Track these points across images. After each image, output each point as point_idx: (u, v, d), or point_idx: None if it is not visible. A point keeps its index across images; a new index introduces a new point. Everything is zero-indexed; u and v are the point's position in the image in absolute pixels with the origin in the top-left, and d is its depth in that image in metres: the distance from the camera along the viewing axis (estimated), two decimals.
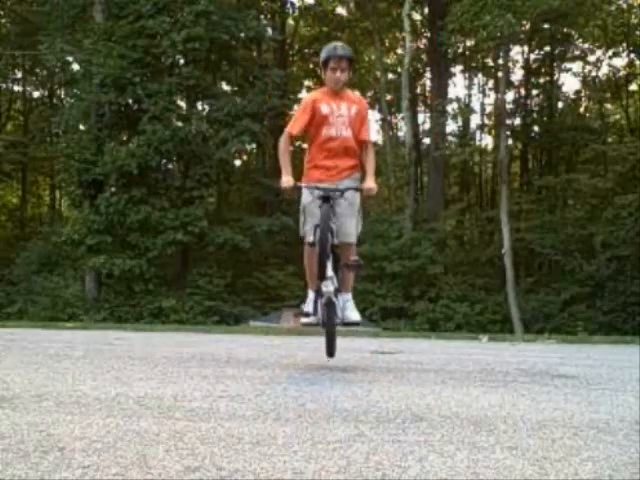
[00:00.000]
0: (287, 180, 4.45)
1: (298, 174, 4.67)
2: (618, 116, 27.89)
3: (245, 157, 27.36)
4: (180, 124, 19.84)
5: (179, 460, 1.82)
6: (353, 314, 4.51)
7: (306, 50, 30.27)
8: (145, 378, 3.58)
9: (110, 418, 2.38)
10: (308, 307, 4.57)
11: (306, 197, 4.57)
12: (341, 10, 28.73)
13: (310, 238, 4.46)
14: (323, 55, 4.65)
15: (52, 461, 1.77)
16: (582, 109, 27.65)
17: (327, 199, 4.39)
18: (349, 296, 4.59)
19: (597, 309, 19.29)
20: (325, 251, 4.27)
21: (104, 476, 1.65)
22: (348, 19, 28.18)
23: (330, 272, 4.34)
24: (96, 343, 6.84)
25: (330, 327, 4.38)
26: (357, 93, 5.06)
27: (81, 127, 20.66)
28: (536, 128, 26.11)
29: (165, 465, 1.76)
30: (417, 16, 26.71)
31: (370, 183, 4.57)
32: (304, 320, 4.59)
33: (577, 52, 26.33)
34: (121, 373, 3.82)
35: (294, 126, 4.61)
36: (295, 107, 29.86)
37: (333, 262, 4.43)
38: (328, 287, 4.33)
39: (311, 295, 4.59)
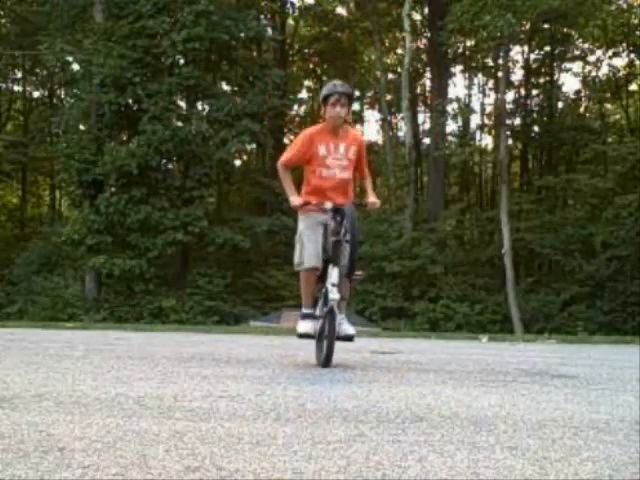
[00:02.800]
0: (296, 199, 4.65)
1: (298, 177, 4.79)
2: (618, 116, 27.90)
3: (245, 157, 27.37)
4: (180, 124, 19.84)
5: (179, 460, 1.82)
6: (349, 328, 4.60)
7: (306, 50, 30.27)
8: (145, 378, 3.58)
9: (110, 418, 2.38)
10: (310, 309, 4.69)
11: (303, 224, 4.71)
12: (341, 10, 28.75)
13: (309, 264, 4.58)
14: (324, 92, 4.73)
15: (52, 461, 1.77)
16: (582, 109, 27.65)
17: (338, 210, 4.56)
18: (343, 315, 4.67)
19: (597, 309, 19.29)
20: (357, 247, 4.37)
21: (104, 476, 1.65)
22: (348, 19, 28.18)
23: (337, 280, 4.43)
24: (96, 343, 6.84)
25: (332, 336, 4.41)
26: (355, 130, 5.21)
27: (81, 127, 20.66)
28: (536, 128, 26.11)
29: (165, 465, 1.76)
30: (417, 16, 26.71)
31: (373, 198, 4.82)
32: (302, 329, 4.67)
33: (577, 52, 26.34)
34: (121, 373, 3.82)
35: (289, 158, 4.81)
36: (295, 107, 29.99)
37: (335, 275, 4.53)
38: (334, 295, 4.40)
39: (306, 310, 4.72)
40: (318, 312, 4.64)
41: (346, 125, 4.85)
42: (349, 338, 4.61)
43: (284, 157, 4.85)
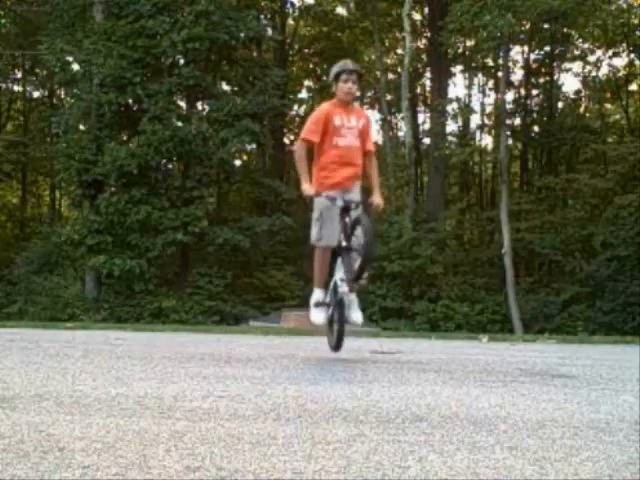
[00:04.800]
0: (308, 188, 4.77)
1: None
2: (618, 116, 27.91)
3: (245, 157, 27.38)
4: (180, 124, 19.85)
5: (179, 460, 1.81)
6: (357, 315, 4.88)
7: (306, 50, 30.28)
8: (145, 378, 3.58)
9: (110, 418, 2.37)
10: (323, 298, 4.94)
11: (322, 203, 4.84)
12: (341, 10, 28.76)
13: (330, 242, 4.80)
14: (335, 70, 4.94)
15: (52, 461, 1.77)
16: (582, 109, 27.66)
17: (348, 210, 4.75)
18: (354, 295, 4.92)
19: (597, 309, 19.30)
20: (370, 262, 4.67)
21: (104, 476, 1.65)
22: (348, 19, 28.19)
23: (345, 275, 4.69)
24: (96, 343, 6.83)
25: (341, 323, 4.78)
26: (361, 108, 5.56)
27: (81, 127, 20.67)
28: (536, 128, 26.13)
29: (165, 465, 1.76)
30: (417, 16, 26.73)
31: (377, 199, 4.99)
32: (317, 317, 4.95)
33: (577, 52, 26.35)
34: (121, 373, 3.82)
35: (310, 134, 4.91)
36: (295, 107, 29.99)
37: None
38: (344, 288, 4.71)
39: (318, 292, 4.96)
40: (328, 299, 4.91)
41: (353, 102, 5.16)
42: (356, 324, 4.93)
43: (304, 133, 4.98)
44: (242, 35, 20.52)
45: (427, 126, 27.80)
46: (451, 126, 26.28)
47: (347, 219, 4.71)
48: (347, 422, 2.40)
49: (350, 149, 4.90)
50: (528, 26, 22.90)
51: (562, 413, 2.76)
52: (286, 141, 28.15)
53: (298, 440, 2.09)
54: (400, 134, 28.75)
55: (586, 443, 2.18)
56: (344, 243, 4.68)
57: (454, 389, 3.45)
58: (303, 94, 31.15)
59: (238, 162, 25.08)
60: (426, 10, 26.46)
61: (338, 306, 4.78)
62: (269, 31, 23.70)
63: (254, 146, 23.78)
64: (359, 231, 4.62)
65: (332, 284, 4.86)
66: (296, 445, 2.02)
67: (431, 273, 20.24)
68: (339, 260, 4.77)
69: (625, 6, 22.32)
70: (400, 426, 2.36)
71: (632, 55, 25.32)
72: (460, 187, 29.86)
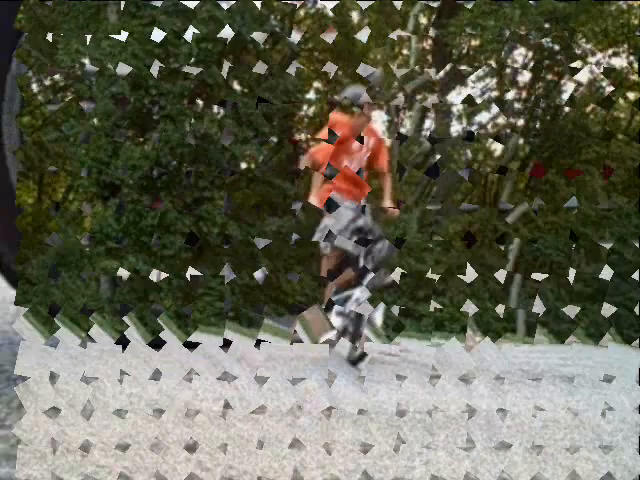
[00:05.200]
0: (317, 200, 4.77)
1: None
2: None
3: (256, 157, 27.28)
4: (195, 125, 19.79)
5: (189, 461, 1.83)
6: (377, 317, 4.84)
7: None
8: (159, 380, 3.58)
9: (124, 420, 2.39)
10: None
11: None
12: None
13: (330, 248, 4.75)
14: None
15: (67, 461, 1.79)
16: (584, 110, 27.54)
17: (359, 216, 4.75)
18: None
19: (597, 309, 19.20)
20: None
21: (117, 477, 1.67)
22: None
23: None
24: (110, 344, 6.80)
25: (358, 334, 4.75)
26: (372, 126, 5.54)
27: None
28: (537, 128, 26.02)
29: (176, 467, 1.78)
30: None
31: (392, 205, 4.94)
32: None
33: (577, 52, 26.24)
34: (135, 374, 3.81)
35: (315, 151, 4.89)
36: (304, 108, 29.88)
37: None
38: (360, 295, 4.66)
39: (332, 302, 4.86)
40: (343, 309, 4.86)
41: None
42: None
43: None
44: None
45: None
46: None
47: (361, 226, 4.76)
48: (349, 422, 2.41)
49: (355, 169, 4.99)
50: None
51: (562, 413, 2.77)
52: None
53: (299, 440, 2.10)
54: None
55: (586, 443, 2.18)
56: (361, 254, 4.71)
57: (455, 389, 3.45)
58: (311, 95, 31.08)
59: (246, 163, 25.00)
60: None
61: (355, 315, 4.82)
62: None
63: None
64: (375, 243, 4.65)
65: (347, 293, 4.84)
66: (297, 445, 2.03)
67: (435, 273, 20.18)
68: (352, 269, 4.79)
69: (625, 6, 22.23)
70: (402, 426, 2.37)
71: (632, 57, 25.21)
72: None
